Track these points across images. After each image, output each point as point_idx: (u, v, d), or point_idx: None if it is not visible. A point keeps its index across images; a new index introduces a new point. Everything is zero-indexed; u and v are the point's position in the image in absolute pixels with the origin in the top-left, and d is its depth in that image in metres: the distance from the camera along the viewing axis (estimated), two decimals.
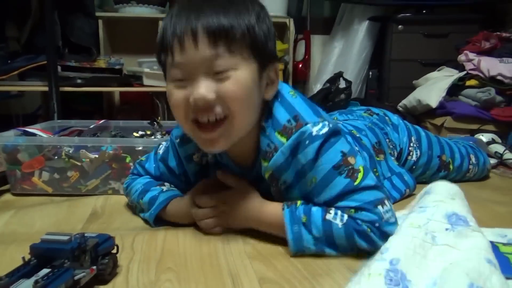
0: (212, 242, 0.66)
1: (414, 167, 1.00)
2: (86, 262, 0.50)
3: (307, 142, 0.61)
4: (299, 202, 0.64)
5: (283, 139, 0.62)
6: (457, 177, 1.06)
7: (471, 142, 1.17)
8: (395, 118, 1.04)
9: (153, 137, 1.11)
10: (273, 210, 0.65)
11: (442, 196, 0.58)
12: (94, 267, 0.50)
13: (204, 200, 0.69)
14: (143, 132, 1.15)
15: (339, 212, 0.60)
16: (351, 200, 0.60)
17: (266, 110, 0.65)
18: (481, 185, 1.08)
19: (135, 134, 1.14)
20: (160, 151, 0.80)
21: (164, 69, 0.63)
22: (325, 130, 0.61)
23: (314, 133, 0.61)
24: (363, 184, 0.60)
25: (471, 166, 1.07)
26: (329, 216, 0.60)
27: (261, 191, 0.70)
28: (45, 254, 0.49)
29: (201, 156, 0.74)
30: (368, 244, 0.58)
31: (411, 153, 1.00)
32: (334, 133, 0.62)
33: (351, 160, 0.62)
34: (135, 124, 1.21)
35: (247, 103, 0.60)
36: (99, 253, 0.53)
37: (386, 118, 1.02)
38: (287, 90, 0.67)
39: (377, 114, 1.03)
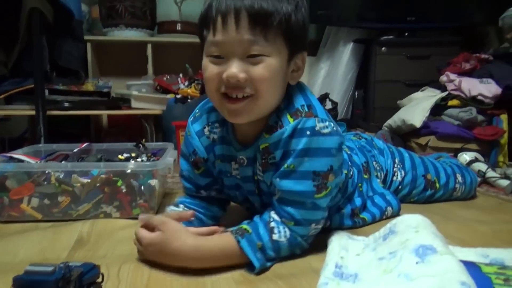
0: (199, 270, 0.66)
1: (400, 187, 1.04)
2: None
3: (307, 132, 0.65)
4: (246, 228, 0.67)
5: (291, 120, 0.67)
6: (445, 196, 1.08)
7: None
8: (380, 143, 1.08)
9: (139, 159, 1.12)
10: (219, 242, 0.66)
11: (407, 234, 0.62)
12: None
13: (140, 235, 0.67)
14: (128, 155, 1.15)
15: (281, 228, 0.67)
16: (297, 211, 0.67)
17: (286, 95, 0.70)
18: (466, 204, 1.09)
19: (120, 156, 1.14)
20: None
21: (203, 43, 0.67)
22: (327, 130, 0.66)
23: (317, 128, 0.66)
24: (318, 202, 0.68)
25: (457, 185, 1.09)
26: (275, 237, 0.67)
27: (249, 173, 0.75)
28: (28, 287, 0.48)
29: (209, 131, 0.78)
30: (301, 251, 0.70)
31: (396, 174, 1.03)
32: (339, 146, 0.69)
33: (331, 177, 0.68)
34: (119, 147, 1.21)
35: (273, 86, 0.66)
36: (84, 283, 0.52)
37: (373, 142, 1.07)
38: (308, 89, 0.74)
39: (365, 139, 1.08)
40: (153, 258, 0.66)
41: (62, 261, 0.54)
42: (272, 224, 0.68)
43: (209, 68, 0.65)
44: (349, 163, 0.87)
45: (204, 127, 0.78)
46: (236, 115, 0.67)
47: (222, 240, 0.66)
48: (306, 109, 0.68)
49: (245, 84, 0.63)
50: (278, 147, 0.68)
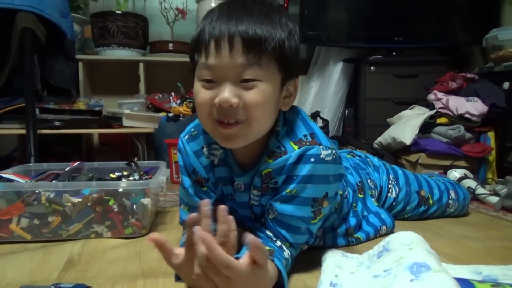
0: None
1: (394, 203, 1.05)
2: None
3: (312, 159, 0.66)
4: (269, 248, 0.65)
5: (295, 147, 0.67)
6: (438, 212, 1.09)
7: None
8: (375, 160, 1.09)
9: (131, 178, 1.11)
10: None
11: (400, 252, 0.63)
12: None
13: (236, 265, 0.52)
14: (120, 173, 1.14)
15: (285, 247, 0.68)
16: (291, 236, 0.69)
17: (283, 120, 0.71)
18: (457, 221, 1.10)
19: (111, 175, 1.13)
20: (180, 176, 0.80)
21: (194, 67, 0.67)
22: (330, 158, 0.67)
23: (321, 155, 0.66)
24: (312, 227, 0.70)
25: (450, 201, 1.10)
26: (285, 254, 0.67)
27: (245, 199, 0.75)
28: None
29: (208, 152, 0.76)
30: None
31: (390, 190, 1.04)
32: (340, 175, 0.71)
33: (325, 204, 0.69)
34: (110, 165, 1.20)
35: (266, 111, 0.65)
36: None
37: (368, 159, 1.08)
38: (305, 114, 0.74)
39: (359, 156, 1.08)
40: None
41: (52, 283, 0.53)
42: (278, 242, 0.68)
43: (201, 93, 0.64)
44: (344, 184, 0.87)
45: (203, 147, 0.76)
46: (229, 140, 0.65)
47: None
48: (309, 138, 0.68)
49: (237, 110, 0.62)
50: (282, 172, 0.68)
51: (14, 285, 0.66)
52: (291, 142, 0.68)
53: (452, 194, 1.11)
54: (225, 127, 0.64)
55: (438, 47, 2.28)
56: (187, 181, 0.77)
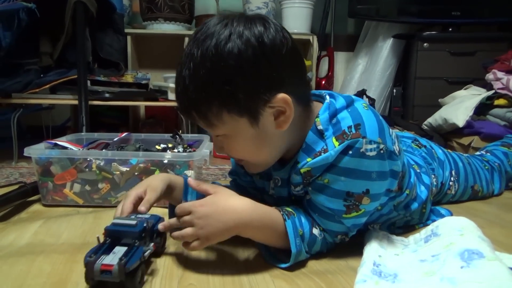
0: (234, 262, 0.66)
1: (451, 199, 1.02)
2: (147, 240, 0.61)
3: (350, 152, 0.61)
4: (292, 211, 0.65)
5: (336, 144, 0.61)
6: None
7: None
8: (440, 153, 1.01)
9: (175, 150, 1.13)
10: (272, 212, 0.63)
11: (450, 237, 0.60)
12: (152, 244, 0.62)
13: (188, 204, 0.61)
14: (165, 145, 1.17)
15: (317, 226, 0.67)
16: (324, 222, 0.66)
17: (328, 115, 0.64)
18: (510, 207, 1.04)
19: (157, 147, 1.16)
20: None
21: None
22: (373, 153, 0.61)
23: (361, 150, 0.61)
24: (345, 221, 0.65)
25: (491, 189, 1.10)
26: (315, 231, 0.66)
27: (284, 194, 0.73)
28: (116, 235, 0.59)
29: None
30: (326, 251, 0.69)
31: (451, 188, 0.99)
32: (392, 172, 0.66)
33: (365, 200, 0.64)
34: (156, 137, 1.23)
35: (252, 151, 0.65)
36: (154, 232, 0.64)
37: (433, 151, 0.99)
38: (360, 103, 0.67)
39: (425, 147, 1.00)
40: (205, 224, 0.58)
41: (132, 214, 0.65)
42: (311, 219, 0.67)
43: None
44: (413, 183, 0.78)
45: None
46: (247, 169, 0.71)
47: (274, 211, 0.63)
48: (353, 130, 0.61)
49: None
50: (321, 170, 0.63)
51: (68, 245, 0.71)
52: (333, 138, 0.62)
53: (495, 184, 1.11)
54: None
55: (500, 23, 2.11)
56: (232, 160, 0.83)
